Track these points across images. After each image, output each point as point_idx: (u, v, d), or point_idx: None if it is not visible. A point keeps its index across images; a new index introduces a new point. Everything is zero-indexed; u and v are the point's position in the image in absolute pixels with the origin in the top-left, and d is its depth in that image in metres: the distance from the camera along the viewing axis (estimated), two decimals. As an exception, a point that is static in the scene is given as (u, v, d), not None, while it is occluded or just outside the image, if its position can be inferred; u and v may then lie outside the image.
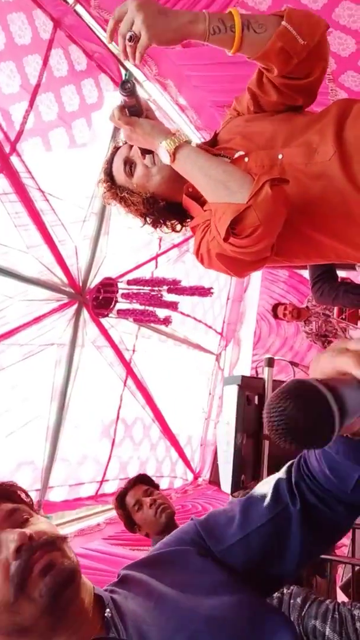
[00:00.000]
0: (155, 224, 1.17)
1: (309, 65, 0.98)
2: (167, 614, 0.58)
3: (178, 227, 1.19)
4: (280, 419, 0.42)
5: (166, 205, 1.13)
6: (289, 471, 0.69)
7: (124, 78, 0.97)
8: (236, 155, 1.03)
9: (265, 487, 0.70)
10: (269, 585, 0.70)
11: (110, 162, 1.16)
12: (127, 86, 0.94)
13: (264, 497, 0.68)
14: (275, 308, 4.08)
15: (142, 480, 1.93)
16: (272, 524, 0.66)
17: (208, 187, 0.94)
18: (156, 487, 1.94)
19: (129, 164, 1.10)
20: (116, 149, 1.16)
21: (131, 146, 1.10)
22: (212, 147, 1.10)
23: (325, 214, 0.97)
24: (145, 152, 1.06)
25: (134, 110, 0.99)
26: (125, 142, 1.14)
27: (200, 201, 1.08)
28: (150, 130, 0.98)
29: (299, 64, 0.96)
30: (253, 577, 0.66)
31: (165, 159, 0.98)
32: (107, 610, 0.60)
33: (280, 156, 0.97)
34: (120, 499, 1.86)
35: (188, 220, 1.17)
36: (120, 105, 0.99)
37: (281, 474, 0.70)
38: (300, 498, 0.65)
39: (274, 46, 0.93)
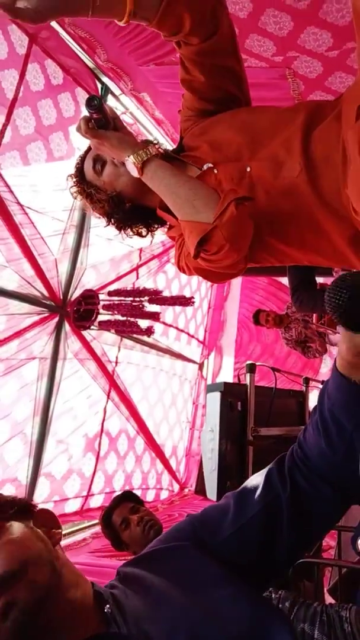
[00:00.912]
0: (119, 226, 1.17)
1: (214, 13, 0.95)
2: (167, 609, 0.58)
3: (143, 232, 1.19)
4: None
5: (132, 208, 1.13)
6: (279, 461, 0.72)
7: (99, 93, 0.97)
8: (205, 167, 1.03)
9: (257, 478, 0.72)
10: (262, 579, 0.71)
11: (83, 158, 1.16)
12: (93, 103, 0.95)
13: (256, 487, 0.70)
14: (256, 315, 4.12)
15: (127, 498, 1.90)
16: (265, 513, 0.68)
17: (175, 204, 0.96)
18: (141, 503, 1.92)
19: (99, 162, 1.10)
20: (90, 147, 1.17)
21: None
22: (178, 153, 1.10)
23: (296, 227, 0.98)
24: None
25: (101, 122, 0.99)
26: None
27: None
28: (118, 144, 0.98)
29: (204, 13, 0.92)
30: (248, 570, 0.67)
31: (133, 172, 0.99)
32: (107, 606, 0.59)
33: (248, 169, 0.98)
34: (106, 518, 1.83)
35: (155, 226, 1.19)
36: (87, 118, 0.99)
37: (272, 464, 0.73)
38: (291, 483, 0.68)
39: None
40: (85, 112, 1.01)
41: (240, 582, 0.63)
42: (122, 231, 1.18)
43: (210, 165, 1.03)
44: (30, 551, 0.58)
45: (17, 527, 0.62)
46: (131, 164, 0.97)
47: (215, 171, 1.02)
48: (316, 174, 0.92)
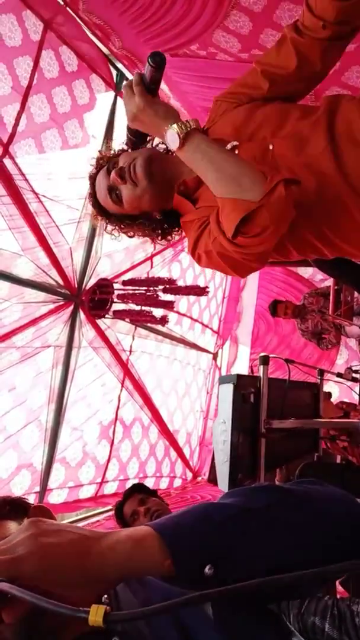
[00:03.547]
0: (164, 237, 1.16)
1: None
2: (158, 601, 0.57)
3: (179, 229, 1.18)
4: None
5: (163, 215, 1.11)
6: None
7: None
8: (229, 146, 1.01)
9: None
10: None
11: (93, 193, 1.13)
12: (157, 59, 0.88)
13: None
14: (274, 306, 4.06)
15: (137, 490, 1.95)
16: None
17: (218, 181, 0.90)
18: (152, 494, 1.96)
19: (114, 192, 1.07)
20: (93, 178, 1.13)
21: (108, 174, 1.07)
22: None
23: (322, 208, 0.95)
24: (135, 143, 1.02)
25: (151, 89, 0.93)
26: (99, 168, 1.12)
27: (192, 198, 1.07)
28: (164, 112, 0.93)
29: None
30: None
31: (173, 144, 0.93)
32: (105, 597, 0.59)
33: (270, 147, 0.96)
34: (118, 511, 1.90)
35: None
36: (141, 74, 0.93)
37: None
38: None
39: None
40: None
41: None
42: (169, 238, 1.17)
43: (236, 143, 1.00)
44: None
45: (11, 527, 0.62)
46: (174, 134, 0.92)
47: (237, 151, 1.00)
48: (340, 150, 0.91)
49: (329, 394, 2.41)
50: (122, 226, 1.12)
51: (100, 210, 1.13)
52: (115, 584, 0.51)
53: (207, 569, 0.50)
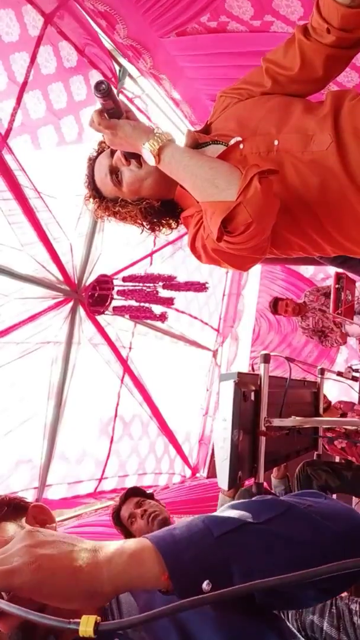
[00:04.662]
0: (152, 228, 1.13)
1: None
2: (159, 606, 0.57)
3: (173, 224, 1.16)
4: None
5: (161, 205, 1.09)
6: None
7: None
8: (232, 142, 1.00)
9: None
10: None
11: (91, 175, 1.11)
12: (101, 87, 0.90)
13: None
14: (275, 303, 4.08)
15: (134, 493, 1.96)
16: None
17: (195, 186, 0.91)
18: (148, 496, 1.97)
19: (115, 173, 1.05)
20: (92, 160, 1.11)
21: (112, 154, 1.05)
22: (205, 134, 1.07)
23: (325, 206, 0.95)
24: (130, 155, 1.02)
25: (113, 112, 0.95)
26: (101, 151, 1.10)
27: None
28: (132, 132, 0.94)
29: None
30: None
31: (150, 160, 0.95)
32: None
33: (276, 142, 0.96)
34: (116, 515, 1.91)
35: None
36: (99, 109, 0.95)
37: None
38: None
39: None
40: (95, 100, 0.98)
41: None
42: (157, 230, 1.14)
43: (239, 138, 1.00)
44: None
45: (9, 529, 0.61)
46: (148, 152, 0.93)
47: (241, 146, 0.99)
48: (345, 147, 0.91)
49: (329, 403, 2.41)
50: (116, 210, 1.09)
51: (94, 192, 1.11)
52: (111, 597, 0.50)
53: (205, 585, 0.49)
